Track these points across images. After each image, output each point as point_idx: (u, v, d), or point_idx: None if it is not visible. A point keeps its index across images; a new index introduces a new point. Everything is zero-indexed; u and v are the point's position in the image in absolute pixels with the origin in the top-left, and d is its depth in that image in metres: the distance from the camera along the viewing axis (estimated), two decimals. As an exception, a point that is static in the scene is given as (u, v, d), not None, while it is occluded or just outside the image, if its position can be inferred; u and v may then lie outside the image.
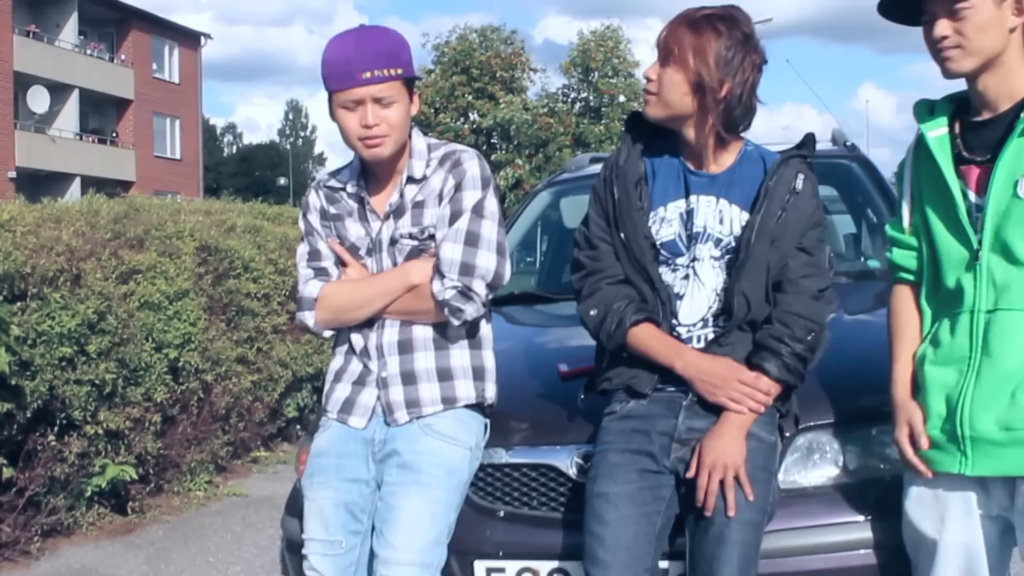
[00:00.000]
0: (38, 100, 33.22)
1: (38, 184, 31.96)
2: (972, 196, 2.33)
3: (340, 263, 2.78)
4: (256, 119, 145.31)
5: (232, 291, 6.64)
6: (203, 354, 6.20)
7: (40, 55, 33.56)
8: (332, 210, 2.78)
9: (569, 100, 35.87)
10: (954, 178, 2.33)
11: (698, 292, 2.56)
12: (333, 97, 2.63)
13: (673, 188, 2.61)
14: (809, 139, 2.64)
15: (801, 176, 2.55)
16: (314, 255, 2.79)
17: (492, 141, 34.91)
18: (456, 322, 2.63)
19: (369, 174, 2.75)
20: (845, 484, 2.67)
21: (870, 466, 2.68)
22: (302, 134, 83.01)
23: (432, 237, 2.67)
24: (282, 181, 60.18)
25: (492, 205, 2.68)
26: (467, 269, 2.60)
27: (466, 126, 34.76)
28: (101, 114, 37.99)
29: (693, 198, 2.58)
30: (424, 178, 2.69)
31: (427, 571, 2.55)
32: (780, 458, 2.63)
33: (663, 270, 2.58)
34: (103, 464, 5.38)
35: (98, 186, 30.93)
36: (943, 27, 2.29)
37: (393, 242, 2.70)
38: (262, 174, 68.58)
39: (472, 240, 2.62)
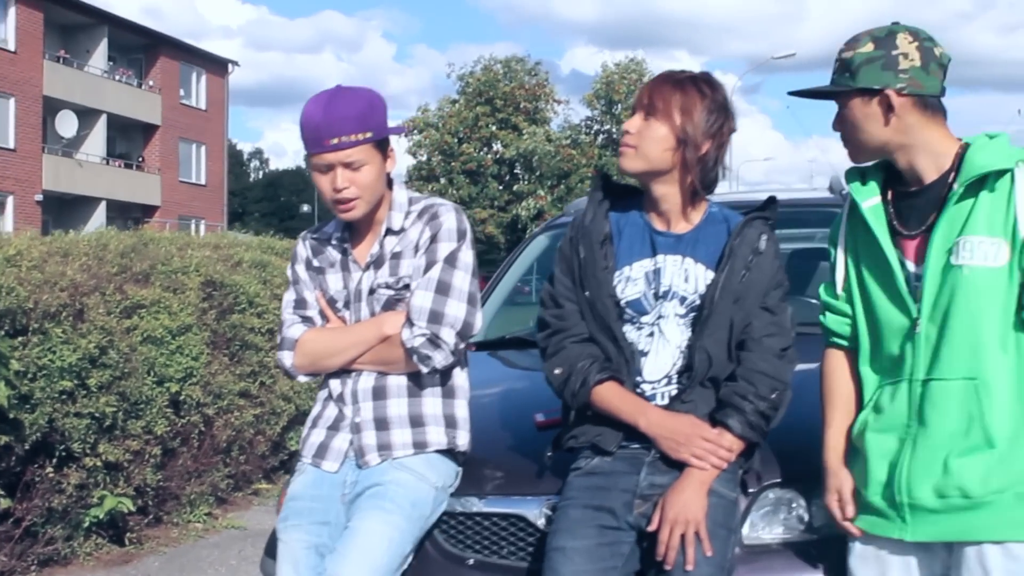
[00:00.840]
0: (66, 124, 33.66)
1: (64, 207, 32.39)
2: (910, 266, 2.40)
3: (323, 316, 2.88)
4: (283, 145, 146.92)
5: (236, 326, 6.72)
6: (205, 388, 6.28)
7: (69, 80, 34.04)
8: (316, 262, 2.90)
9: (592, 132, 36.08)
10: (891, 248, 2.40)
11: (663, 349, 2.61)
12: (308, 158, 2.74)
13: (639, 248, 2.67)
14: (771, 201, 2.72)
15: (764, 237, 2.62)
16: (300, 303, 2.90)
17: (515, 171, 35.13)
18: (425, 369, 2.72)
19: (352, 226, 2.85)
20: (808, 541, 2.69)
21: (834, 524, 2.71)
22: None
23: (407, 287, 2.76)
24: (306, 208, 60.54)
25: (466, 257, 2.77)
26: (436, 317, 2.69)
27: (489, 156, 34.98)
28: (128, 139, 38.42)
29: (660, 257, 2.64)
30: (403, 230, 2.80)
31: None
32: (744, 514, 2.67)
33: (627, 328, 2.63)
34: (101, 496, 5.45)
35: (123, 210, 31.38)
36: (836, 123, 2.47)
37: (371, 292, 2.80)
38: (287, 199, 69.13)
39: (443, 289, 2.71)
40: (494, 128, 34.75)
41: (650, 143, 2.57)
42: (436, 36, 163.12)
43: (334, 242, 2.88)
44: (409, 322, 2.71)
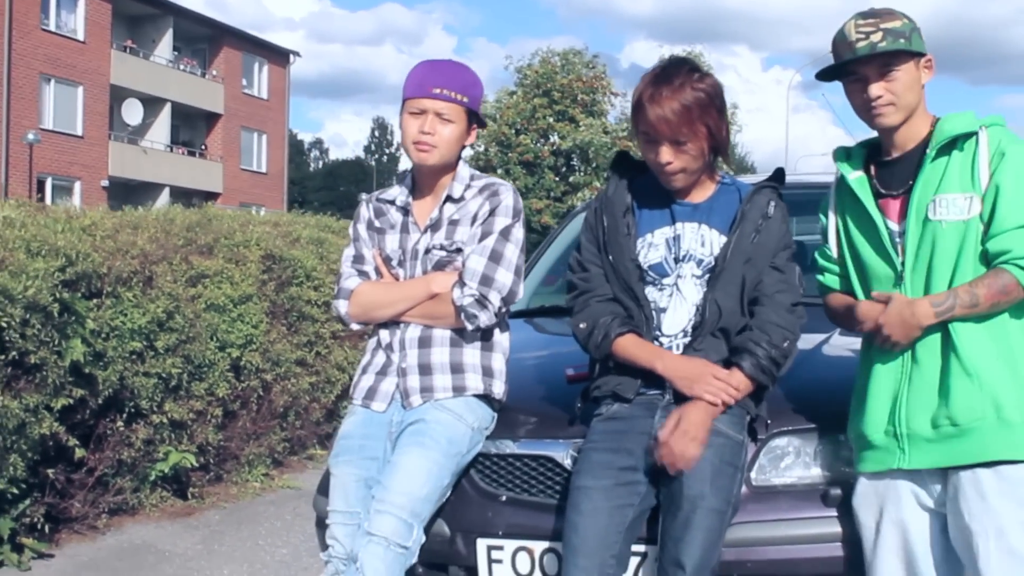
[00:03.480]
0: (132, 112, 34.44)
1: (129, 193, 33.11)
2: (892, 225, 2.70)
3: (378, 272, 3.18)
4: (343, 135, 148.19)
5: (294, 298, 7.06)
6: (264, 355, 6.63)
7: (135, 69, 34.80)
8: (377, 223, 3.21)
9: (648, 124, 35.71)
10: (876, 211, 2.71)
11: (680, 306, 2.88)
12: (404, 104, 3.07)
13: (659, 217, 2.94)
14: (779, 173, 3.00)
15: (772, 203, 2.89)
16: (358, 259, 3.21)
17: (571, 163, 35.14)
18: (470, 327, 3.01)
19: (417, 190, 3.16)
20: (813, 484, 2.93)
21: (836, 468, 2.94)
22: (387, 151, 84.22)
23: (459, 251, 3.06)
24: (364, 196, 61.03)
25: (518, 233, 3.08)
26: (487, 281, 2.99)
27: (546, 147, 35.02)
28: (191, 127, 39.16)
29: (679, 225, 2.91)
30: (462, 199, 3.10)
31: (414, 519, 2.88)
32: (754, 459, 2.91)
33: (650, 289, 2.90)
34: (166, 451, 5.83)
35: (186, 197, 32.06)
36: (882, 87, 2.65)
37: (427, 252, 3.10)
38: (347, 189, 69.76)
39: (495, 257, 3.01)
40: (551, 120, 34.81)
41: (692, 163, 2.83)
42: (496, 30, 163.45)
43: (398, 204, 3.18)
44: (461, 282, 2.99)
